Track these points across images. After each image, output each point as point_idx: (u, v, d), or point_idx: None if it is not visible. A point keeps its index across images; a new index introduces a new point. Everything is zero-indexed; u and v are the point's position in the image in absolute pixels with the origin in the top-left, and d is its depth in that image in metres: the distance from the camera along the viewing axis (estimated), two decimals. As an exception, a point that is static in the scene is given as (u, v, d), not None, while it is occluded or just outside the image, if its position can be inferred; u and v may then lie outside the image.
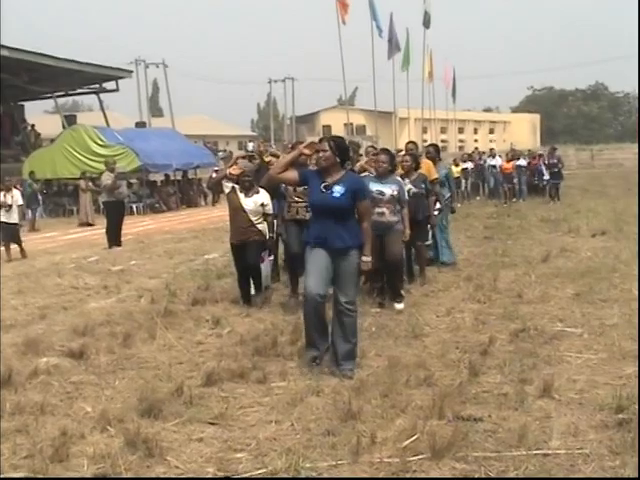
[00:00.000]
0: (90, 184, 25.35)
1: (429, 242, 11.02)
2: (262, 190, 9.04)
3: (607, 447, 4.47)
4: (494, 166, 29.00)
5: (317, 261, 6.28)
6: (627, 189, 29.56)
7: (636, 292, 8.86)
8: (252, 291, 9.23)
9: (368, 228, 6.47)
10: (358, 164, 9.57)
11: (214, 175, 12.80)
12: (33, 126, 40.48)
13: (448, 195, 12.24)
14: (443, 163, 13.20)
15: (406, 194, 8.99)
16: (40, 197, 28.49)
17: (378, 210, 8.52)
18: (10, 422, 5.22)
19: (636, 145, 54.97)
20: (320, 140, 6.66)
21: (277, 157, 11.05)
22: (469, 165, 30.50)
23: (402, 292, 8.89)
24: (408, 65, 54.87)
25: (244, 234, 9.03)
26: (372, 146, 13.63)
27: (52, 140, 34.13)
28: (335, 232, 6.25)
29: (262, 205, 9.02)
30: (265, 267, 9.46)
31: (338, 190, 6.26)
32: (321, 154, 6.38)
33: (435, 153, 12.18)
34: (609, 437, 4.62)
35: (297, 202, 8.81)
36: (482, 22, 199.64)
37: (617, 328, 7.31)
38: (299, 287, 8.87)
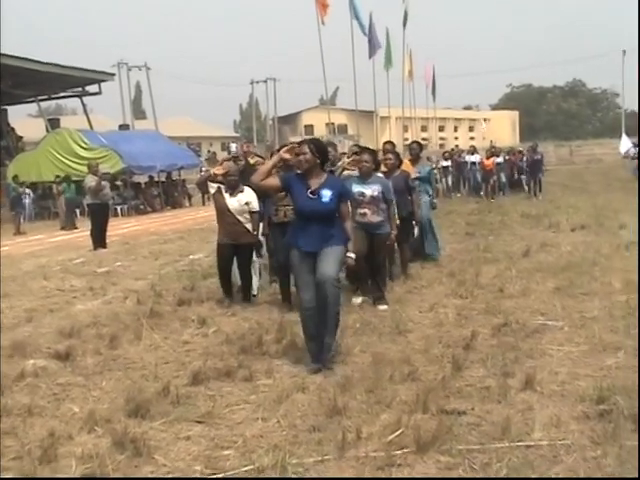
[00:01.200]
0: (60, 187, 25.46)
1: (415, 236, 11.05)
2: (247, 189, 8.98)
3: (589, 437, 4.50)
4: (474, 163, 29.15)
5: (307, 274, 6.31)
6: (607, 185, 29.79)
7: (616, 285, 8.92)
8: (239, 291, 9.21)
9: (350, 226, 6.54)
10: (339, 163, 9.55)
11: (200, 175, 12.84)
12: (13, 129, 40.24)
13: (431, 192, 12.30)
14: (424, 161, 13.24)
15: (391, 192, 8.92)
16: (27, 200, 28.41)
17: (360, 211, 8.54)
18: (-2, 424, 5.21)
19: (614, 141, 55.34)
20: (299, 143, 6.65)
21: (263, 159, 11.05)
22: (449, 163, 30.64)
23: (385, 295, 8.86)
24: (390, 64, 54.97)
25: (233, 234, 9.00)
26: (356, 145, 13.65)
27: (36, 144, 33.98)
28: (323, 235, 6.27)
29: (246, 203, 8.99)
30: (255, 274, 9.44)
31: (327, 195, 6.27)
32: (302, 157, 6.39)
33: (418, 150, 12.25)
34: (590, 428, 4.65)
35: (285, 205, 8.67)
36: (461, 21, 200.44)
37: (597, 321, 7.36)
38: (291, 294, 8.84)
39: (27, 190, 28.57)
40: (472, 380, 5.74)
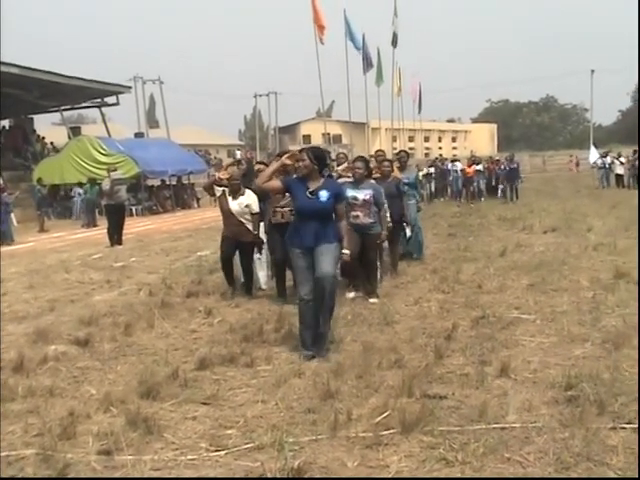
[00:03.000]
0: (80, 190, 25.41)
1: (408, 236, 11.06)
2: (248, 191, 8.95)
3: (558, 420, 4.49)
4: (456, 170, 29.16)
5: (305, 269, 6.31)
6: (575, 191, 29.82)
7: (584, 282, 8.93)
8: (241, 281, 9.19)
9: (345, 225, 6.57)
10: (335, 170, 9.53)
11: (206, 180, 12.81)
12: (43, 138, 40.20)
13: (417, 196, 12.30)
14: (412, 168, 13.23)
15: (383, 196, 8.90)
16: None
17: (353, 213, 8.52)
18: (22, 404, 5.20)
19: (582, 151, 55.44)
20: (300, 151, 6.67)
21: (265, 165, 11.02)
22: (432, 170, 30.62)
23: (375, 290, 8.84)
24: (381, 81, 54.96)
25: (237, 234, 8.98)
26: (342, 152, 13.78)
27: (58, 150, 33.92)
28: (319, 232, 6.27)
29: (247, 206, 8.96)
30: (260, 269, 9.42)
31: (324, 195, 6.30)
32: (301, 163, 6.41)
33: (406, 158, 12.26)
34: (560, 412, 4.65)
35: (282, 207, 8.64)
36: (445, 42, 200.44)
37: (567, 314, 7.35)
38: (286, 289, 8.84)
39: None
40: (453, 367, 5.73)
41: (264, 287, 9.48)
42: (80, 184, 26.42)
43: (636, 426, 4.31)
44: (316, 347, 6.26)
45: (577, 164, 55.87)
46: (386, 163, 10.24)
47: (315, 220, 6.30)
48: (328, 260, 6.22)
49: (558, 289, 8.72)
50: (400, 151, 13.38)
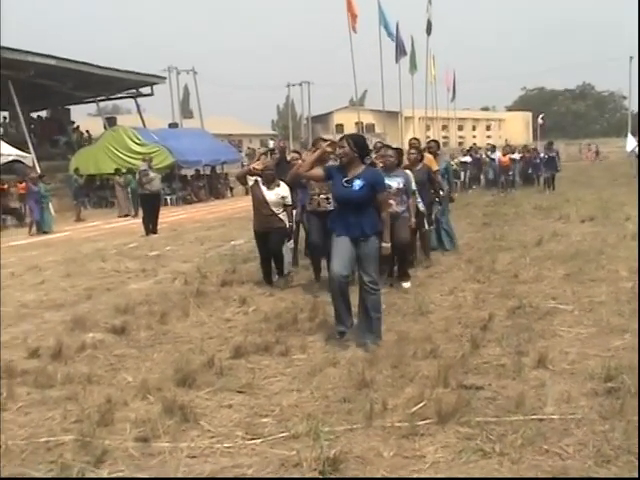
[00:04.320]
0: (121, 179, 25.48)
1: (432, 227, 10.91)
2: (282, 183, 8.99)
3: (597, 412, 4.42)
4: (493, 159, 28.86)
5: (341, 247, 6.26)
6: (612, 180, 29.38)
7: (622, 272, 8.78)
8: (275, 277, 9.20)
9: (386, 217, 6.46)
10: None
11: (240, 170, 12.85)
12: (78, 127, 40.63)
13: (447, 186, 12.16)
14: (443, 157, 13.12)
15: (413, 185, 8.89)
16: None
17: None
18: (61, 391, 5.25)
19: (619, 139, 54.63)
20: (340, 139, 6.63)
21: (299, 154, 11.06)
22: (468, 159, 30.36)
23: (409, 272, 8.83)
24: (415, 69, 54.74)
25: (267, 223, 8.98)
26: (380, 141, 13.65)
27: (92, 140, 34.25)
28: (356, 221, 6.22)
29: (282, 197, 8.97)
30: (286, 254, 9.44)
31: (358, 184, 6.24)
32: (340, 151, 6.36)
33: (436, 147, 12.14)
34: (599, 403, 4.57)
35: (318, 195, 8.68)
36: (480, 29, 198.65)
37: (605, 305, 7.24)
38: (321, 273, 8.86)
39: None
40: (489, 358, 5.67)
41: (285, 272, 9.46)
42: (117, 173, 26.52)
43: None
44: (363, 336, 6.23)
45: (597, 153, 54.98)
46: (413, 151, 10.18)
47: (351, 209, 6.25)
48: (370, 263, 6.23)
49: (596, 279, 8.58)
50: (430, 140, 13.28)
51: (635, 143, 33.60)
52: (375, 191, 6.32)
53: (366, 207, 6.28)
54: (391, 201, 8.53)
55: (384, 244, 6.37)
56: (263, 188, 8.99)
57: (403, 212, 8.68)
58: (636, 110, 66.84)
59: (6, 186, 23.93)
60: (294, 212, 9.28)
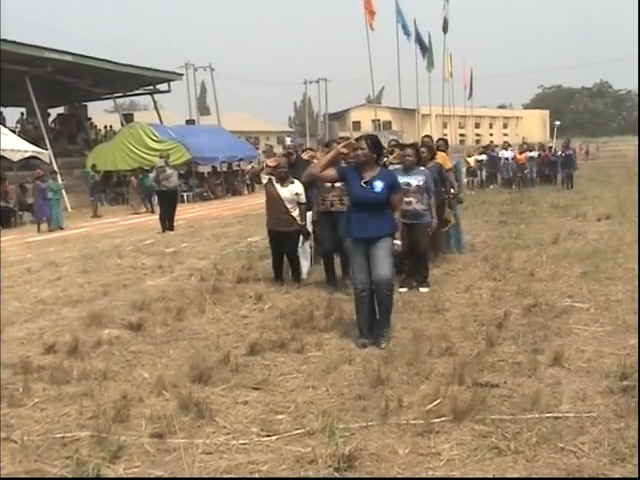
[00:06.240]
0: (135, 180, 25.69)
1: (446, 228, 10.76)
2: (296, 181, 8.94)
3: (613, 411, 4.40)
4: (507, 158, 28.71)
5: (360, 257, 6.26)
6: (629, 178, 29.14)
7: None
8: (290, 274, 9.17)
9: (399, 217, 6.47)
10: (387, 159, 9.42)
11: (249, 167, 12.83)
12: (96, 125, 40.80)
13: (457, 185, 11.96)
14: (453, 155, 13.01)
15: (432, 184, 8.81)
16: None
17: (406, 199, 8.40)
18: (77, 387, 5.28)
19: (636, 138, 54.25)
20: (357, 139, 6.60)
21: (314, 152, 11.00)
22: (484, 157, 30.22)
23: (427, 279, 8.74)
24: (432, 66, 54.62)
25: (281, 222, 8.93)
26: (394, 139, 13.59)
27: (113, 134, 34.40)
28: (374, 222, 6.20)
29: (297, 194, 8.94)
30: (303, 257, 9.40)
31: (378, 185, 6.22)
32: (360, 152, 6.33)
33: (445, 145, 12.02)
34: (614, 402, 4.55)
35: (332, 196, 8.59)
36: (496, 27, 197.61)
37: (621, 303, 7.20)
38: (336, 277, 8.84)
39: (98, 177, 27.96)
40: (504, 356, 5.66)
41: (304, 277, 9.41)
42: (134, 174, 26.70)
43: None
44: (373, 336, 6.23)
45: (587, 152, 54.73)
46: (423, 149, 10.02)
47: (369, 211, 6.23)
48: (385, 262, 6.18)
49: (612, 277, 8.54)
50: (439, 139, 13.11)
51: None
52: (392, 192, 6.32)
53: (383, 208, 6.28)
54: (411, 198, 8.51)
55: (396, 242, 6.34)
56: (277, 185, 8.97)
57: (424, 211, 8.62)
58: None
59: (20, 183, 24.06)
60: (308, 214, 9.16)
